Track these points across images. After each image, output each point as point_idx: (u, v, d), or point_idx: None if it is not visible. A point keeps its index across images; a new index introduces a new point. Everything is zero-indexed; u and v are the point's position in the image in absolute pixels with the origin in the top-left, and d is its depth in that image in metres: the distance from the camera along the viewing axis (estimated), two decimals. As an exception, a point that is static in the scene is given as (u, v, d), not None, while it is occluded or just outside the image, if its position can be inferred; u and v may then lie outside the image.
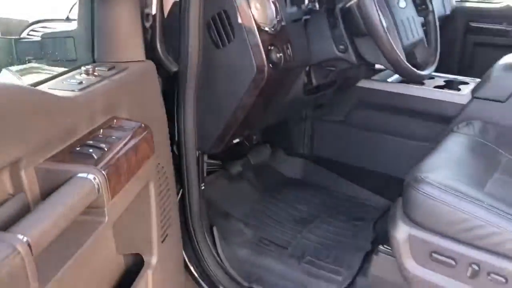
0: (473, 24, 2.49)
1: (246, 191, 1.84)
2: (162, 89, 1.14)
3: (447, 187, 1.13)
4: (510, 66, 1.57)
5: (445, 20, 2.38)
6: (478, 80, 1.82)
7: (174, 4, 1.22)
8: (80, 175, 0.67)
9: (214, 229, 1.50)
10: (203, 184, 1.41)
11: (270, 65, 1.20)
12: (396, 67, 1.25)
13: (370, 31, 1.20)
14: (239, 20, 1.18)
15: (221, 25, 1.21)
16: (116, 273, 0.93)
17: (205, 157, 1.41)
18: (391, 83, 1.83)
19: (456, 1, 2.57)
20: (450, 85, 1.81)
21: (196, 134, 1.31)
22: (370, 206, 1.81)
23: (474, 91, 1.62)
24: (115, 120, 0.86)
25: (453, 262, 1.12)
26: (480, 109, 1.58)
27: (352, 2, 1.30)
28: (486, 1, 2.60)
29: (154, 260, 0.93)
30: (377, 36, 1.19)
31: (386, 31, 1.18)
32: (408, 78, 1.33)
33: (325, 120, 1.94)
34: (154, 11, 1.14)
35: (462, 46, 2.49)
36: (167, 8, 1.23)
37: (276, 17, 1.25)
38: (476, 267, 1.09)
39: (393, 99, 1.77)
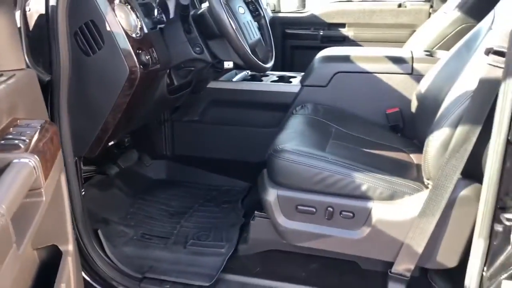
0: (288, 31, 2.96)
1: (119, 197, 1.91)
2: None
3: (300, 151, 1.42)
4: (325, 58, 1.97)
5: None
6: (302, 74, 2.22)
7: (40, 16, 1.27)
8: (15, 160, 0.74)
9: (99, 232, 1.55)
10: (83, 190, 1.46)
11: (141, 66, 1.34)
12: (246, 61, 1.51)
13: (222, 32, 1.44)
14: (108, 28, 1.30)
15: (90, 34, 1.31)
16: (33, 269, 0.97)
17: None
18: (236, 82, 2.11)
19: (272, 12, 3.02)
20: (282, 79, 2.17)
21: (73, 140, 1.36)
22: (234, 190, 2.05)
23: (302, 81, 1.99)
24: (18, 120, 0.92)
25: (314, 210, 1.41)
26: (309, 94, 1.95)
27: (203, 9, 1.52)
28: (296, 12, 3.10)
29: (71, 247, 1.00)
30: (229, 36, 1.43)
31: (235, 30, 1.43)
32: (256, 70, 1.61)
33: (183, 121, 2.12)
34: (18, 24, 1.19)
35: (282, 49, 2.93)
36: (32, 21, 1.27)
37: (138, 24, 1.39)
38: (331, 209, 1.39)
39: (239, 95, 2.05)
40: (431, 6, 2.73)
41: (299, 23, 2.98)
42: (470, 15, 2.12)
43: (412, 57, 1.86)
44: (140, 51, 1.35)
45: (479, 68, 1.27)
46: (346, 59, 1.92)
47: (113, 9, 1.30)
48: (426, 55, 1.92)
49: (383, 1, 2.93)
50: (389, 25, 2.82)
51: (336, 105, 1.91)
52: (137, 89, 1.36)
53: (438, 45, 2.18)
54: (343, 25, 2.91)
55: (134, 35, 1.35)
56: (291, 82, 2.09)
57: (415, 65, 1.83)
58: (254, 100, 2.04)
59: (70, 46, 1.30)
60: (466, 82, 1.32)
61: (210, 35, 1.54)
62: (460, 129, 1.23)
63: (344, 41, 2.89)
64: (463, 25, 2.13)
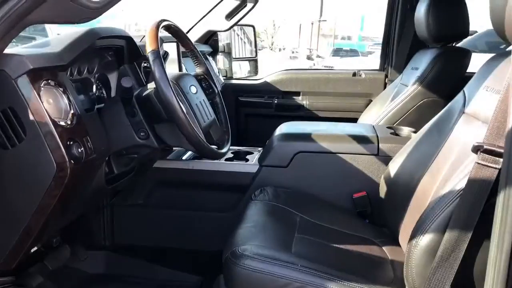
0: (242, 98, 2.82)
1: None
2: None
3: (263, 257, 1.21)
4: (285, 136, 1.81)
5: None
6: (259, 149, 2.04)
7: None
8: None
9: None
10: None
11: (72, 161, 1.11)
12: (198, 148, 1.31)
13: (172, 118, 1.24)
14: (31, 117, 1.07)
15: (8, 124, 1.07)
16: None
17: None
18: (186, 161, 1.89)
19: (224, 78, 2.87)
20: (238, 156, 1.98)
21: None
22: (184, 286, 1.79)
23: (260, 160, 1.81)
24: None
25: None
26: (269, 175, 1.76)
27: (149, 91, 1.32)
28: (249, 79, 2.98)
29: None
30: (179, 122, 1.23)
31: (186, 115, 1.24)
32: (210, 157, 1.41)
33: (125, 206, 1.87)
34: None
35: (236, 117, 2.77)
36: None
37: (70, 109, 1.17)
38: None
39: (190, 175, 1.84)
40: (386, 76, 2.69)
41: (252, 90, 2.85)
42: (431, 90, 2.06)
43: (378, 137, 1.73)
44: (71, 143, 1.12)
45: (463, 165, 1.15)
46: (307, 137, 1.77)
47: (39, 94, 1.08)
48: (391, 133, 1.81)
49: (338, 70, 2.87)
50: (345, 94, 2.74)
51: (299, 188, 1.73)
52: (66, 186, 1.12)
53: (400, 120, 2.09)
54: (297, 93, 2.81)
55: (64, 124, 1.12)
56: (247, 160, 1.91)
57: (381, 146, 1.71)
58: (206, 181, 1.84)
59: None
60: (449, 179, 1.19)
61: (157, 119, 1.33)
62: (448, 235, 1.07)
63: (299, 109, 2.78)
64: (424, 100, 2.06)
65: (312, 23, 31.09)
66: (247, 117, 2.79)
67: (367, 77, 2.75)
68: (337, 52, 20.95)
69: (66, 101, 1.17)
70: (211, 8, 2.69)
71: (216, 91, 1.59)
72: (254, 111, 2.82)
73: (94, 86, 1.44)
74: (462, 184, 1.08)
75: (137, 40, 1.82)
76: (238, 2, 2.58)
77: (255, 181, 1.77)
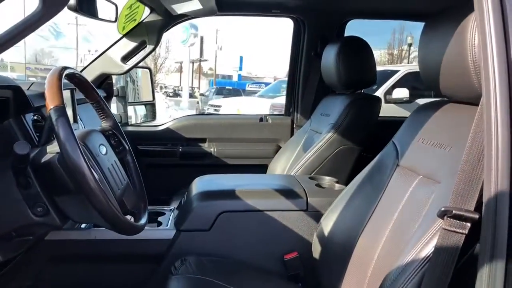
0: (141, 147, 2.55)
1: None
2: None
3: None
4: (205, 195, 1.61)
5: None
6: (170, 208, 1.81)
7: None
8: None
9: None
10: None
11: None
12: (114, 224, 1.06)
13: (81, 188, 0.98)
14: None
15: None
16: None
17: None
18: (85, 230, 1.58)
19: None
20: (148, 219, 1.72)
21: None
22: None
23: (177, 223, 1.58)
24: None
25: None
26: (189, 241, 1.54)
27: (49, 157, 1.04)
28: (149, 125, 2.73)
29: None
30: (90, 193, 0.98)
31: (99, 184, 0.99)
32: (128, 233, 1.15)
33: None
34: None
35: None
36: None
37: None
38: None
39: (92, 246, 1.54)
40: (293, 121, 2.65)
41: (153, 138, 2.60)
42: (346, 137, 2.03)
43: (305, 191, 1.62)
44: None
45: (417, 227, 1.07)
46: (230, 194, 1.59)
47: None
48: (316, 185, 1.72)
49: (243, 115, 2.76)
50: (252, 140, 2.63)
51: (225, 253, 1.54)
52: None
53: (317, 168, 2.02)
54: (203, 140, 2.63)
55: None
56: (160, 223, 1.66)
57: (310, 200, 1.59)
58: (113, 252, 1.55)
59: None
60: (400, 242, 1.10)
61: (59, 190, 1.06)
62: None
63: (206, 157, 2.59)
64: (340, 147, 2.02)
65: (193, 62, 31.37)
66: (148, 168, 2.52)
67: (273, 122, 2.68)
68: (220, 91, 21.24)
69: None
70: (106, 49, 2.42)
71: (127, 148, 1.35)
72: (156, 160, 2.56)
73: None
74: (425, 251, 0.98)
75: (25, 88, 1.52)
76: (136, 44, 2.36)
77: (173, 249, 1.53)
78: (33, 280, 1.51)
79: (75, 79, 1.19)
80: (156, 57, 33.96)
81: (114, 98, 2.69)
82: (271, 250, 1.56)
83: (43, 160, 1.04)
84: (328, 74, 2.20)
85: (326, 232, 1.44)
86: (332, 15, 2.48)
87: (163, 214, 1.76)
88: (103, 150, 1.18)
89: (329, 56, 2.15)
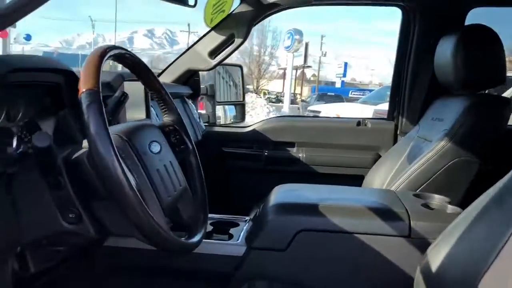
0: (226, 149, 2.37)
1: None
2: None
3: None
4: (283, 207, 1.35)
5: (197, 147, 2.17)
6: (246, 218, 1.58)
7: None
8: None
9: None
10: None
11: None
12: (156, 242, 0.85)
13: (111, 194, 0.78)
14: None
15: None
16: None
17: None
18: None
19: (205, 125, 2.43)
20: (218, 228, 1.52)
21: None
22: None
23: (249, 239, 1.34)
24: None
25: None
26: (260, 261, 1.30)
27: (80, 153, 0.87)
28: (236, 126, 2.55)
29: None
30: (122, 201, 0.78)
31: (135, 192, 0.78)
32: (174, 252, 0.95)
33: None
34: None
35: (218, 175, 2.30)
36: None
37: None
38: None
39: (152, 258, 1.35)
40: (397, 127, 2.29)
41: (238, 139, 2.40)
42: (464, 148, 1.64)
43: (408, 212, 1.29)
44: None
45: None
46: (313, 210, 1.32)
47: None
48: (422, 204, 1.37)
49: (339, 118, 2.46)
50: (348, 146, 2.32)
51: (301, 280, 1.27)
52: None
53: (425, 184, 1.66)
54: (291, 144, 2.37)
55: None
56: (231, 236, 1.44)
57: (414, 224, 1.26)
58: (175, 266, 1.35)
59: None
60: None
61: (94, 194, 0.87)
62: None
63: (293, 163, 2.33)
64: (455, 160, 1.65)
65: (296, 69, 31.34)
66: (231, 172, 2.33)
67: (373, 127, 2.34)
68: (322, 97, 20.87)
69: None
70: (193, 44, 2.29)
71: (190, 148, 1.14)
72: (240, 164, 2.36)
73: (15, 139, 0.98)
74: None
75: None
76: (224, 37, 2.18)
77: (242, 269, 1.30)
78: (91, 289, 1.37)
79: (127, 61, 1.00)
80: (260, 63, 34.49)
81: (201, 97, 2.56)
82: (359, 283, 1.26)
83: (74, 156, 0.86)
84: (442, 71, 1.82)
85: (434, 267, 1.10)
86: (452, 2, 2.09)
87: (237, 225, 1.53)
88: (155, 148, 0.98)
89: (445, 50, 1.78)
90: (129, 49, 1.04)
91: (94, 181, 0.84)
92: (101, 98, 0.80)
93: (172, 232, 0.89)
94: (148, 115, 1.60)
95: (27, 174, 0.86)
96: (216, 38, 2.19)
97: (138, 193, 0.79)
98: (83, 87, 0.80)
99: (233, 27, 2.15)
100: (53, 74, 1.04)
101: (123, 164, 0.79)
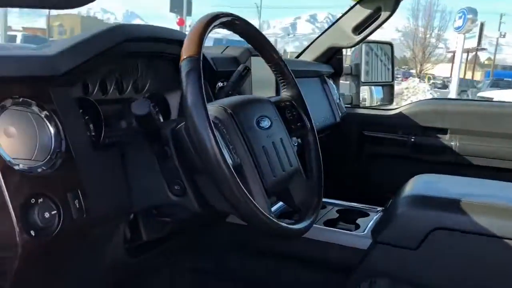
0: (367, 133, 2.20)
1: None
2: None
3: None
4: (419, 199, 1.18)
5: (335, 130, 2.06)
6: (379, 208, 1.43)
7: None
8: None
9: None
10: None
11: (32, 232, 0.67)
12: (252, 223, 0.78)
13: (207, 171, 0.74)
14: (-31, 156, 0.66)
15: None
16: None
17: None
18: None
19: (346, 107, 2.29)
20: (345, 216, 1.40)
21: None
22: None
23: (375, 231, 1.21)
24: None
25: None
26: (386, 259, 1.15)
27: (181, 123, 0.84)
28: (380, 108, 2.36)
29: None
30: (216, 177, 0.73)
31: (231, 169, 0.72)
32: (274, 235, 0.88)
33: (189, 269, 1.41)
34: None
35: (357, 160, 2.16)
36: None
37: (55, 146, 0.74)
38: None
39: (273, 239, 1.31)
40: None
41: (381, 123, 2.21)
42: None
43: None
44: (37, 200, 0.68)
45: None
46: (454, 206, 1.12)
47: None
48: None
49: (505, 102, 2.09)
50: (514, 136, 1.96)
51: (432, 285, 1.09)
52: (18, 274, 0.68)
53: None
54: (444, 131, 2.09)
55: (25, 167, 0.69)
56: (358, 226, 1.32)
57: None
58: (294, 251, 1.29)
59: None
60: None
61: (195, 166, 0.84)
62: None
63: (445, 153, 2.06)
64: None
65: (468, 52, 28.41)
66: (371, 158, 2.16)
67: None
68: (497, 82, 18.59)
69: (50, 130, 0.74)
70: (335, 20, 2.16)
71: (309, 126, 1.04)
72: (382, 150, 2.17)
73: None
74: None
75: (218, 51, 1.39)
76: (369, 11, 2.01)
77: (364, 263, 1.17)
78: (214, 264, 1.39)
79: (238, 28, 0.93)
80: (425, 46, 32.06)
81: (344, 77, 2.42)
82: None
83: (178, 126, 0.84)
84: None
85: None
86: None
87: (366, 215, 1.40)
88: (265, 123, 0.91)
89: None
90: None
91: (190, 153, 0.81)
92: (201, 66, 0.76)
93: (273, 215, 0.82)
94: (278, 93, 1.55)
95: (139, 144, 0.87)
96: (361, 13, 2.03)
97: (233, 170, 0.73)
98: (184, 53, 0.76)
99: (380, 0, 1.97)
100: (168, 44, 1.03)
101: (219, 138, 0.74)
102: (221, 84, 1.25)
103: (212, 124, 0.73)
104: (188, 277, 1.41)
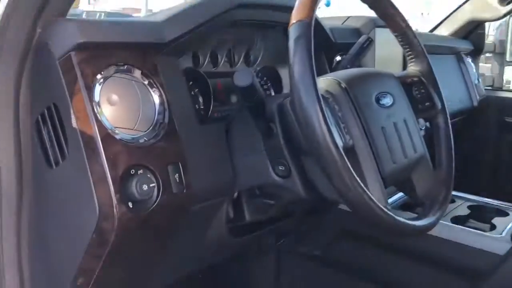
0: (509, 120, 1.91)
1: None
2: None
3: None
4: None
5: (471, 115, 1.81)
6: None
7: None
8: None
9: None
10: None
11: (129, 204, 0.65)
12: (365, 217, 0.68)
13: (313, 153, 0.65)
14: (74, 123, 0.65)
15: (53, 129, 0.69)
16: None
17: None
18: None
19: (486, 89, 2.01)
20: (477, 215, 1.22)
21: None
22: None
23: (516, 235, 1.02)
24: None
25: None
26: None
27: (288, 98, 0.76)
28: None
29: None
30: (325, 165, 0.63)
31: (341, 153, 0.62)
32: (390, 232, 0.76)
33: (296, 254, 1.34)
34: None
35: (495, 150, 1.89)
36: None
37: (159, 117, 0.71)
38: None
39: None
40: None
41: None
42: None
43: None
44: (136, 172, 0.66)
45: None
46: None
47: (90, 87, 0.65)
48: None
49: None
50: None
51: None
52: (115, 246, 0.67)
53: None
54: None
55: (129, 138, 0.67)
56: (494, 227, 1.13)
57: None
58: (414, 247, 1.15)
59: (29, 145, 0.71)
60: None
61: (300, 146, 0.75)
62: None
63: None
64: None
65: None
66: (510, 146, 1.88)
67: None
68: None
69: (155, 99, 0.72)
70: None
71: (439, 106, 0.89)
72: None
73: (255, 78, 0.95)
74: None
75: (339, 22, 1.28)
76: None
77: (499, 271, 0.99)
78: (322, 251, 1.31)
79: None
80: None
81: (485, 55, 2.14)
82: None
83: (284, 100, 0.76)
84: None
85: None
86: None
87: (505, 214, 1.20)
88: (386, 100, 0.79)
89: None
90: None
91: (296, 131, 0.72)
92: (312, 33, 0.67)
93: (390, 208, 0.70)
94: (405, 69, 1.39)
95: (245, 120, 0.81)
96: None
97: (344, 153, 0.63)
98: (294, 17, 0.67)
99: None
100: (266, 11, 0.94)
101: (328, 115, 0.65)
102: (340, 58, 1.14)
103: (321, 99, 0.63)
104: (294, 262, 1.34)
